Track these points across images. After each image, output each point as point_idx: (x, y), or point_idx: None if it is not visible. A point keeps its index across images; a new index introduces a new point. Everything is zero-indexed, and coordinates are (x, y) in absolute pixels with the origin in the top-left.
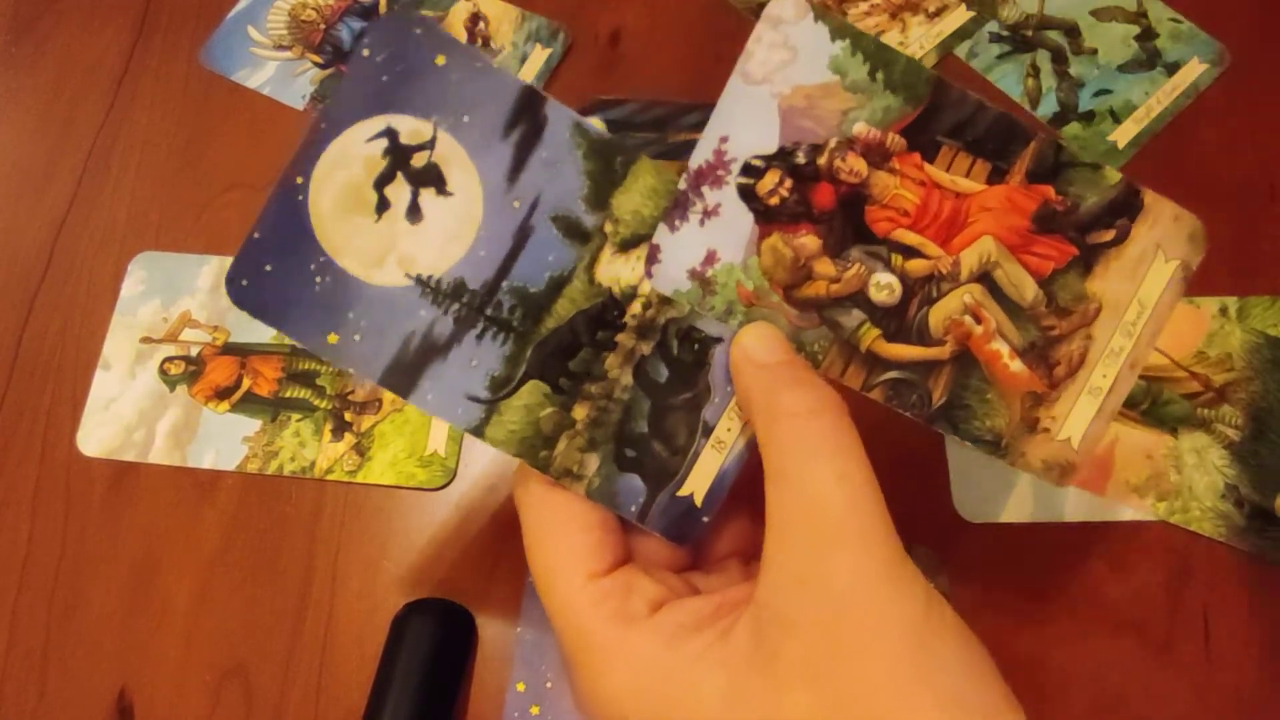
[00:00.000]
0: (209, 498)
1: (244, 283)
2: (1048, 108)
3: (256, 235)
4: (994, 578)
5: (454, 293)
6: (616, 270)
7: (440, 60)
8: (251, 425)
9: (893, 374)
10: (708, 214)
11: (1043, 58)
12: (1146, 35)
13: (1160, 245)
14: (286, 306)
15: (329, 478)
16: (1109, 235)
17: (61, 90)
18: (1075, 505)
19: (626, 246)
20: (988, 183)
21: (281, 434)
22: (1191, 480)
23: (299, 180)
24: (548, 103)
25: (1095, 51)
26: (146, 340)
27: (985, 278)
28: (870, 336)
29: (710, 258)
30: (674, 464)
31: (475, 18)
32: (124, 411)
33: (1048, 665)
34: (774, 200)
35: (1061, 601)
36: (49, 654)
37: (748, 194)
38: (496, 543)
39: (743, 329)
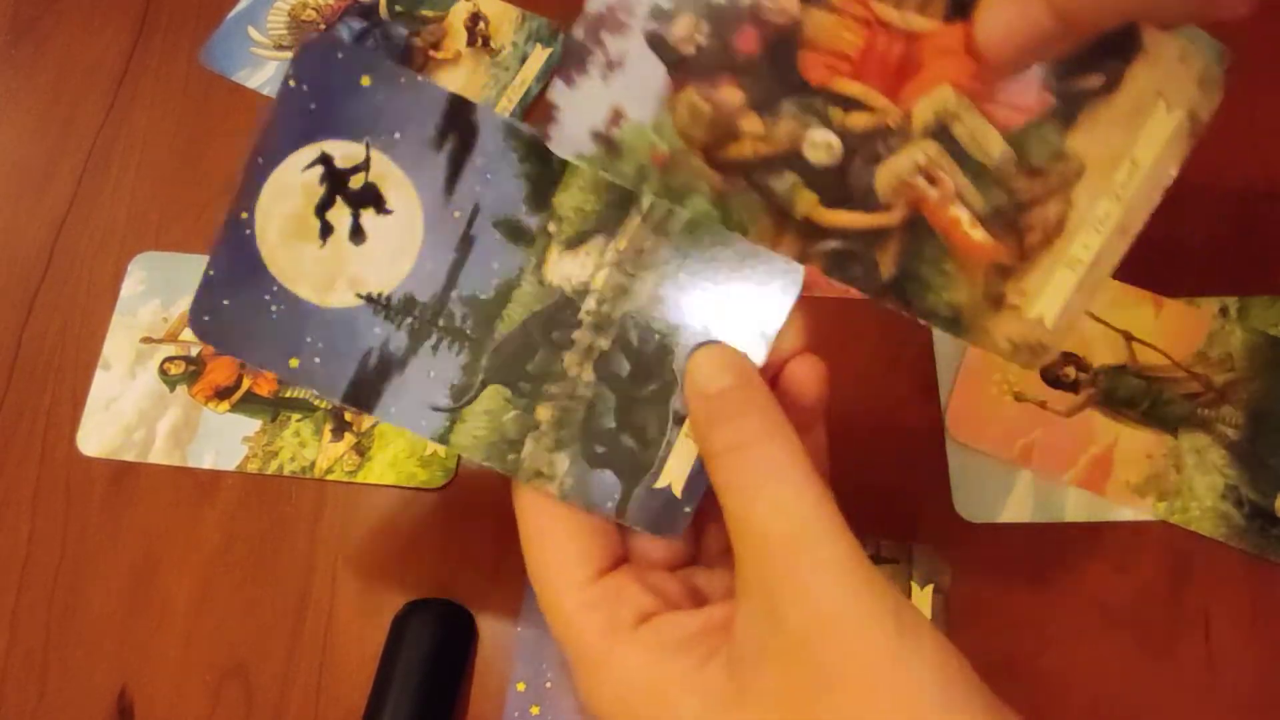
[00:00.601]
0: (209, 498)
1: (205, 318)
2: None
3: (211, 272)
4: (994, 578)
5: (405, 308)
6: (566, 269)
7: (366, 81)
8: (251, 425)
9: (833, 244)
10: (610, 66)
11: None
12: None
13: (1161, 92)
14: (247, 337)
15: (329, 478)
16: (1096, 81)
17: (61, 90)
18: (1075, 505)
19: (573, 244)
20: (945, 20)
21: (281, 434)
22: (1192, 480)
23: (244, 215)
24: (477, 109)
25: None
26: (146, 340)
27: (942, 133)
28: (806, 202)
29: (615, 117)
30: (647, 456)
31: (475, 17)
32: (124, 411)
33: (1048, 665)
34: (688, 48)
35: (1061, 601)
36: (49, 654)
37: (657, 42)
38: (496, 543)
39: (693, 355)
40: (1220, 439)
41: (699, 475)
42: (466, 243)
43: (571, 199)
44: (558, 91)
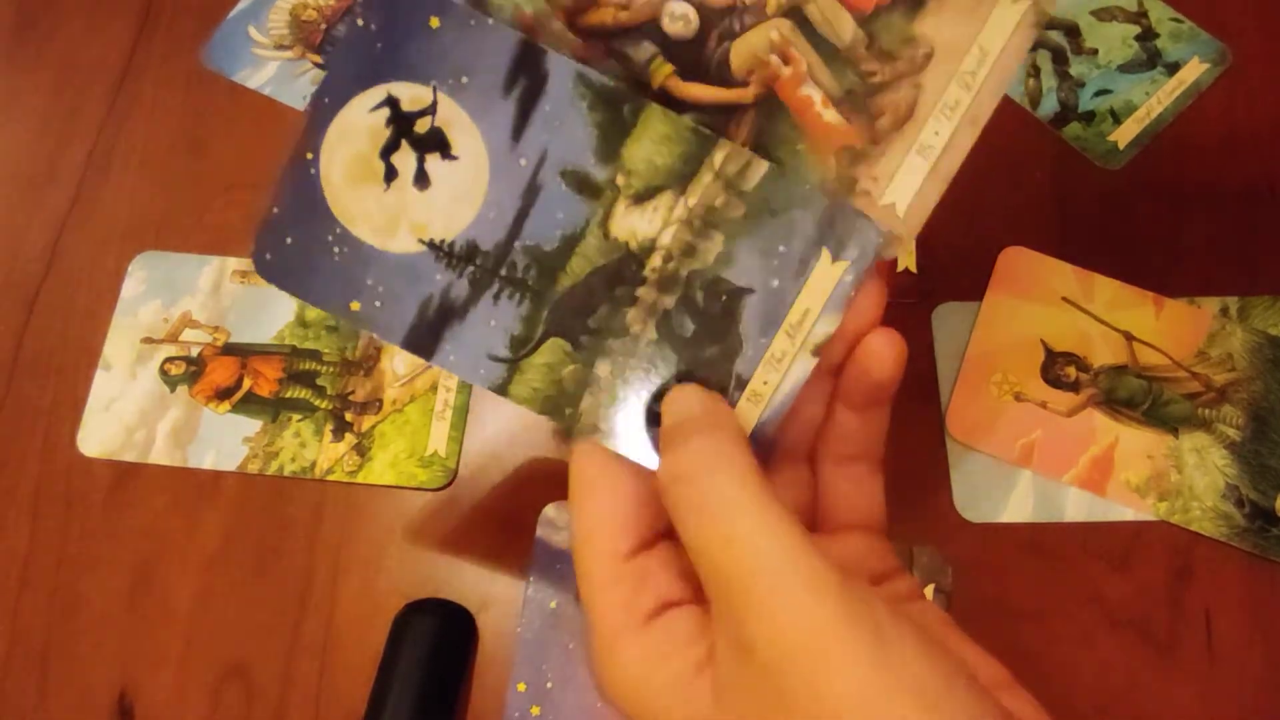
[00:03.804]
0: (209, 498)
1: (267, 256)
2: (1048, 108)
3: (275, 210)
4: (994, 578)
5: (467, 255)
6: (633, 223)
7: (434, 23)
8: (252, 425)
9: (688, 116)
10: None
11: (1043, 58)
12: (1147, 35)
13: None
14: (309, 277)
15: (329, 478)
16: None
17: (63, 90)
18: (1075, 505)
19: (641, 199)
20: None
21: (282, 434)
22: (1192, 480)
23: (309, 155)
24: (548, 55)
25: (1096, 51)
26: (147, 340)
27: (795, 12)
28: (663, 73)
29: None
30: None
31: None
32: (124, 412)
33: (1048, 665)
34: None
35: (1062, 602)
36: (49, 654)
37: None
38: (497, 543)
39: (666, 397)
40: (1221, 439)
41: (757, 440)
42: (532, 192)
43: (642, 150)
44: None
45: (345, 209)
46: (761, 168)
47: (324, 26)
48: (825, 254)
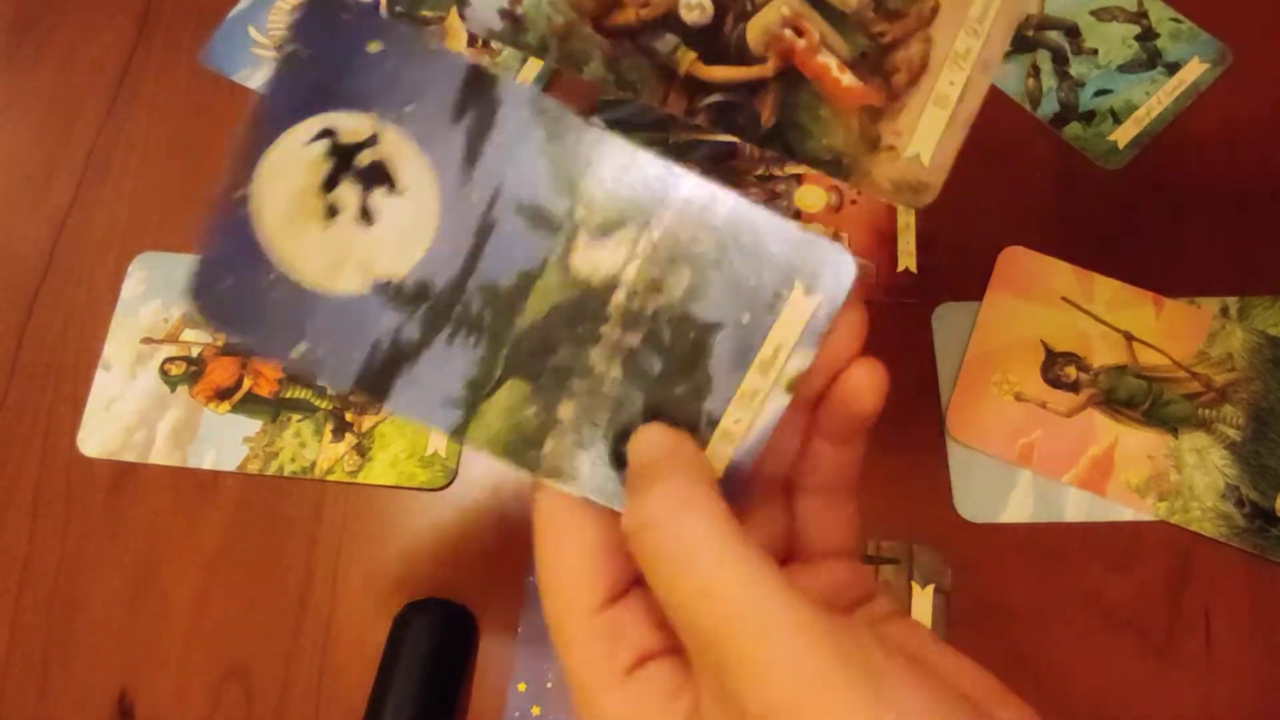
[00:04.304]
0: (209, 498)
1: (205, 300)
2: (1048, 108)
3: (206, 255)
4: (993, 578)
5: (418, 295)
6: (594, 258)
7: (373, 47)
8: (252, 426)
9: (715, 97)
10: None
11: (1043, 58)
12: (1147, 35)
13: None
14: (248, 322)
15: (329, 478)
16: None
17: (62, 90)
18: (1075, 505)
19: (603, 232)
20: None
21: (282, 434)
22: (1192, 480)
23: (239, 194)
24: (500, 81)
25: (1096, 51)
26: (147, 341)
27: None
28: (687, 59)
29: None
30: None
31: None
32: (125, 412)
33: (1048, 665)
34: None
35: (1062, 601)
36: (50, 654)
37: None
38: (497, 543)
39: (632, 437)
40: (1221, 439)
41: (731, 480)
42: (486, 228)
43: (602, 182)
44: None
45: (283, 250)
46: (729, 199)
47: None
48: (798, 286)
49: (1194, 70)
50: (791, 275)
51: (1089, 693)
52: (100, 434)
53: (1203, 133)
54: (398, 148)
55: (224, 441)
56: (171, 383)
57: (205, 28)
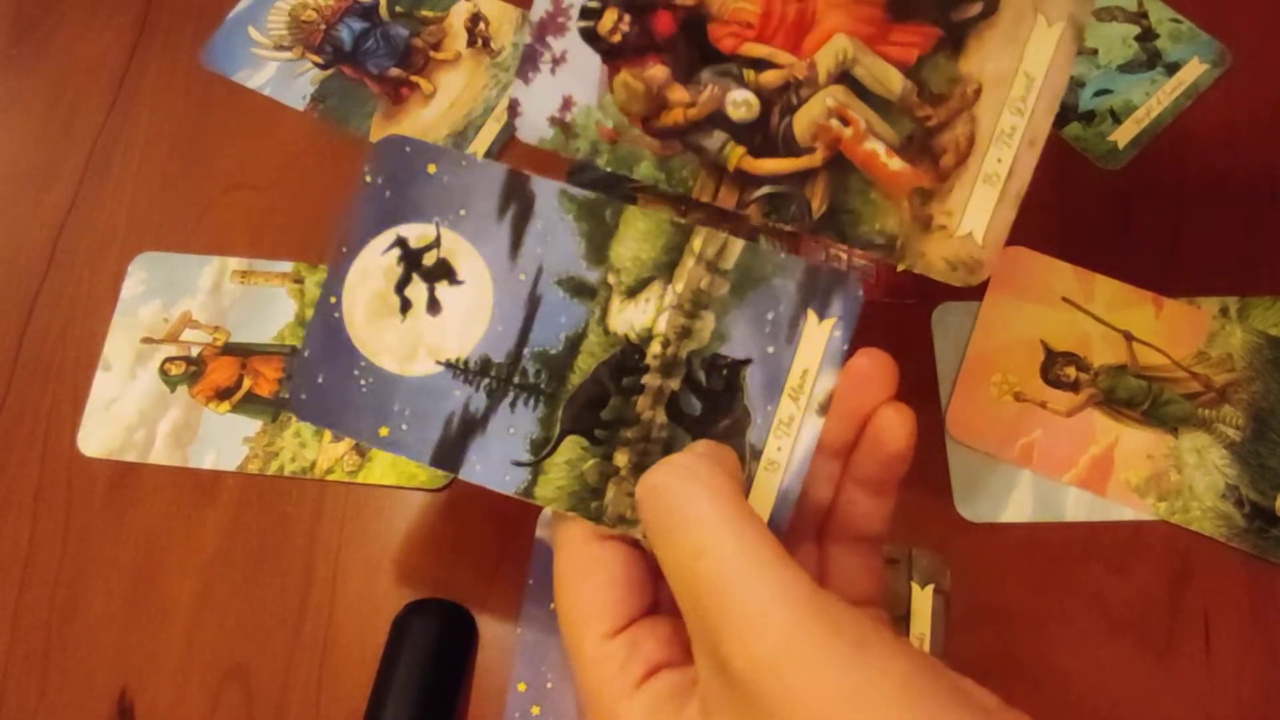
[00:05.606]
0: (210, 498)
1: (303, 396)
2: None
3: (306, 354)
4: (994, 578)
5: (481, 369)
6: (629, 316)
7: (432, 169)
8: (252, 425)
9: (766, 189)
10: (557, 62)
11: None
12: (1147, 35)
13: (1037, 7)
14: (341, 410)
15: (330, 478)
16: (975, 8)
17: (62, 91)
18: (1075, 505)
19: (633, 292)
20: None
21: (282, 434)
22: (1192, 480)
23: (332, 300)
24: (532, 179)
25: (1095, 51)
26: (147, 340)
27: (845, 77)
28: (736, 155)
29: (567, 103)
30: None
31: (475, 18)
32: (125, 412)
33: (1048, 666)
34: (615, 37)
35: (1062, 602)
36: (50, 654)
37: (590, 36)
38: (497, 543)
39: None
40: (1221, 439)
41: (782, 507)
42: (533, 302)
43: (627, 250)
44: (518, 89)
45: (367, 343)
46: (738, 245)
47: (323, 27)
48: (811, 314)
49: (1194, 70)
50: (804, 303)
51: (1089, 692)
52: (100, 434)
53: (1202, 133)
54: (456, 246)
55: (224, 441)
56: (171, 383)
57: (205, 28)
